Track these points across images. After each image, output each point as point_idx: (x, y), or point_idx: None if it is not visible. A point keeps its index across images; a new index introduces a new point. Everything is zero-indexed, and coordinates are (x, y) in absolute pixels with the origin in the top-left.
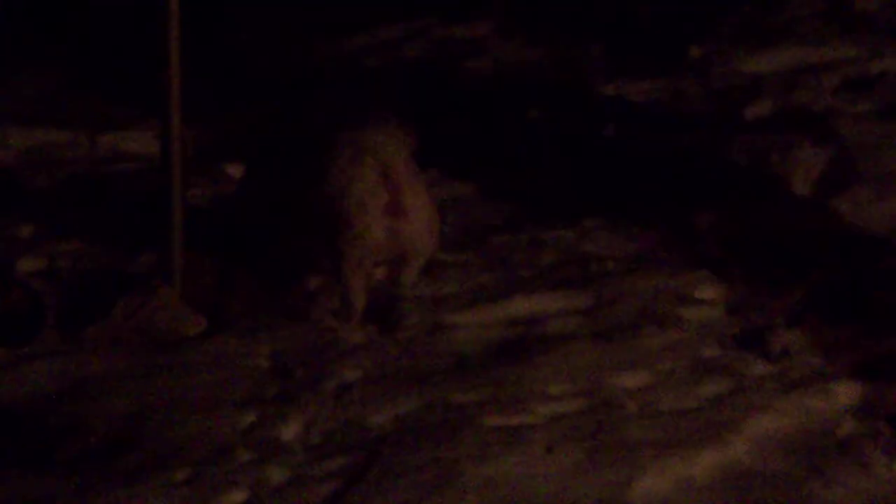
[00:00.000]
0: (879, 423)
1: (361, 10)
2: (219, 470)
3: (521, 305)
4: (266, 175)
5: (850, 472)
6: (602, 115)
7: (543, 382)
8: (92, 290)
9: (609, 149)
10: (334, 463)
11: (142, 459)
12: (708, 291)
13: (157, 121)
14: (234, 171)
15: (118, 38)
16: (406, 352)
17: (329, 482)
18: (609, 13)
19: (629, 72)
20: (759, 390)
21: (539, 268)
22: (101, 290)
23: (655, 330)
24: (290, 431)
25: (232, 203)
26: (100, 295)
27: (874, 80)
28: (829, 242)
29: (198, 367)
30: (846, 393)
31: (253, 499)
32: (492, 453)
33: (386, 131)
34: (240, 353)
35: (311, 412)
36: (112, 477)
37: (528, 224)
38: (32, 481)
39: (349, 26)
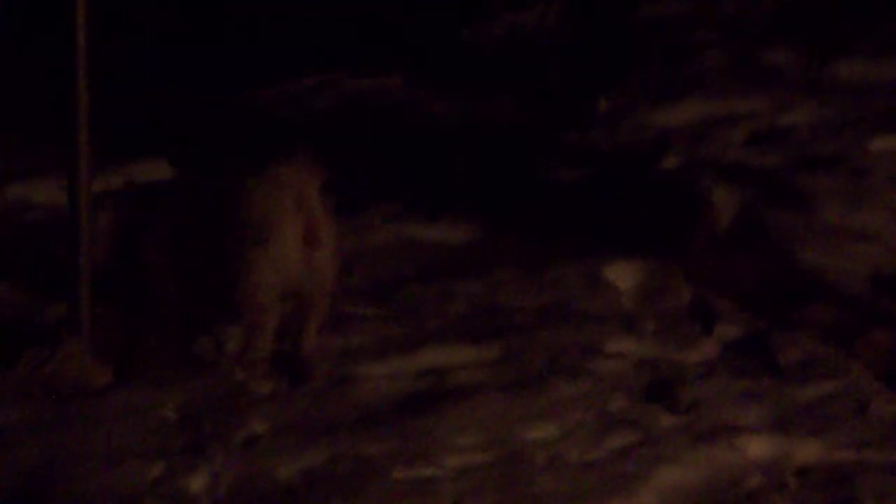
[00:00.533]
0: (787, 476)
1: (272, 64)
2: None
3: (430, 357)
4: (175, 219)
5: None
6: (514, 164)
7: (452, 434)
8: None
9: (522, 199)
10: None
11: None
12: (618, 344)
13: (65, 171)
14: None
15: (25, 83)
16: (315, 403)
17: None
18: (519, 70)
19: (540, 124)
20: (667, 442)
21: (449, 319)
22: (8, 341)
23: (564, 382)
24: (197, 483)
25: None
26: (7, 346)
27: (783, 133)
28: (739, 295)
29: (105, 418)
30: (755, 446)
31: None
32: None
33: (298, 166)
34: (147, 404)
35: (219, 464)
36: None
37: (439, 275)
38: None
39: (259, 79)
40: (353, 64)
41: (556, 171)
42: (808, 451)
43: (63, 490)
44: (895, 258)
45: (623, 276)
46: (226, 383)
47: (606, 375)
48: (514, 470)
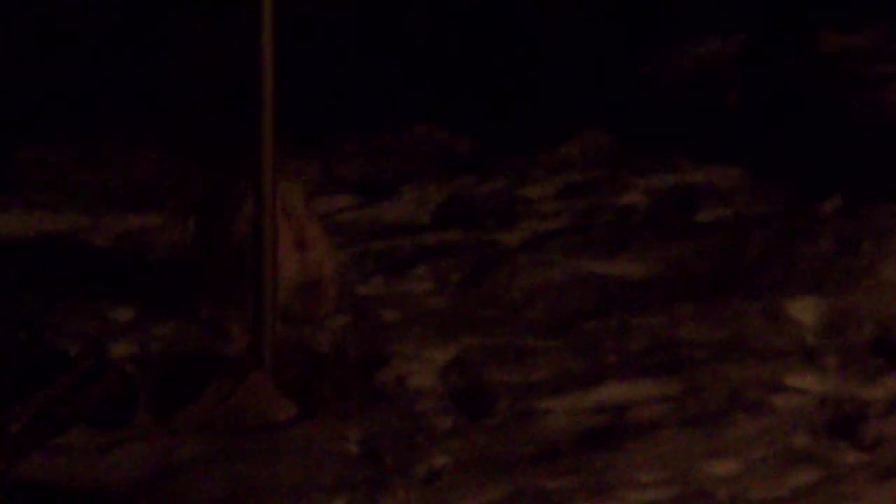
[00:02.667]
0: None
1: None
2: None
3: (610, 392)
4: None
5: None
6: (690, 201)
7: (633, 469)
8: (184, 373)
9: (698, 234)
10: None
11: None
12: (800, 379)
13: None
14: None
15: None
16: (496, 437)
17: None
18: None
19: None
20: (851, 480)
21: (629, 354)
22: (192, 374)
23: (746, 417)
24: None
25: None
26: (191, 379)
27: None
28: None
29: (288, 452)
30: None
31: None
32: None
33: (283, 177)
34: (330, 438)
35: (401, 498)
36: None
37: (618, 310)
38: None
39: None
40: None
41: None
42: None
43: None
44: None
45: (805, 310)
46: (407, 417)
47: (789, 411)
48: None
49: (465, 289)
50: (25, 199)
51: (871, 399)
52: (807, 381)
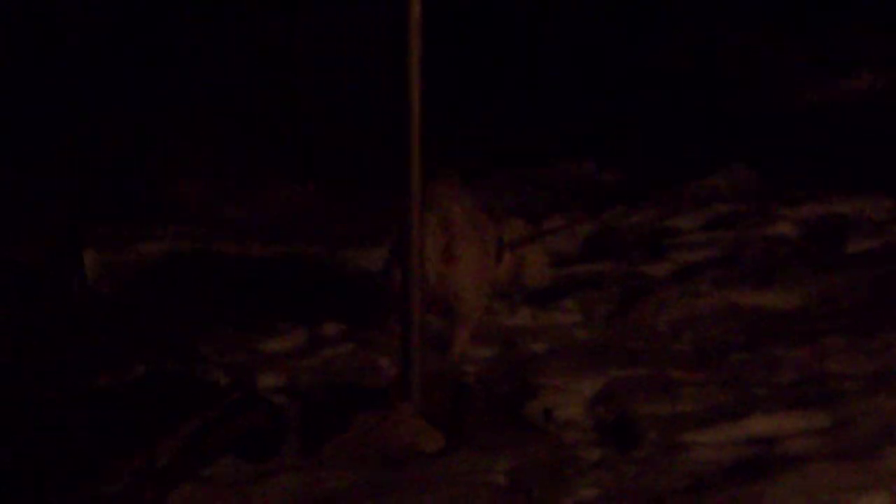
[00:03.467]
0: None
1: None
2: None
3: (758, 424)
4: None
5: None
6: (839, 232)
7: (783, 502)
8: (331, 405)
9: (848, 265)
10: None
11: None
12: None
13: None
14: None
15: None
16: (643, 470)
17: None
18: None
19: None
20: None
21: (777, 386)
22: (340, 406)
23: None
24: None
25: None
26: (339, 410)
27: None
28: None
29: (436, 483)
30: None
31: None
32: None
33: (446, 183)
34: (477, 469)
35: None
36: None
37: (767, 341)
38: None
39: None
40: None
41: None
42: None
43: None
44: None
45: None
46: (555, 449)
47: None
48: None
49: (613, 320)
50: (174, 232)
51: None
52: None
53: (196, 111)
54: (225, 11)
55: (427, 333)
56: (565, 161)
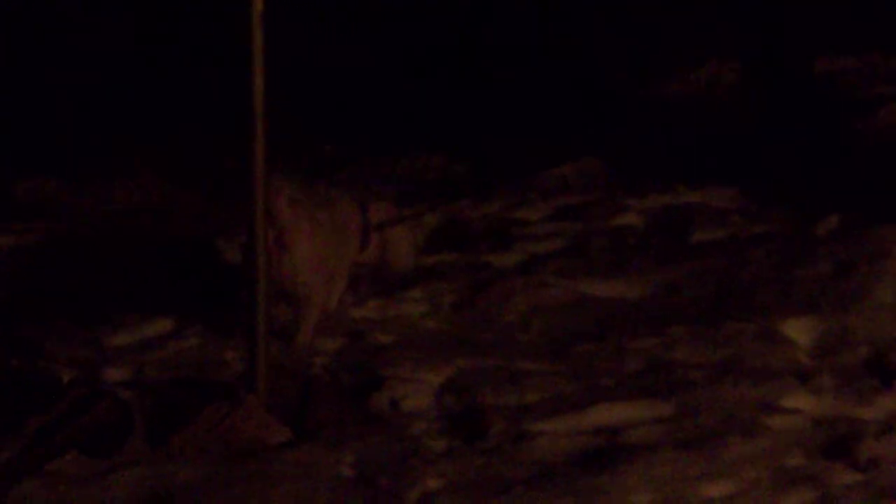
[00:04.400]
0: None
1: None
2: None
3: (604, 414)
4: None
5: None
6: (685, 222)
7: (627, 492)
8: (178, 398)
9: (693, 255)
10: None
11: None
12: (794, 400)
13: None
14: None
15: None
16: (490, 460)
17: None
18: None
19: None
20: (846, 500)
21: (623, 376)
22: (186, 399)
23: (740, 439)
24: None
25: None
26: (185, 404)
27: None
28: None
29: (282, 476)
30: None
31: None
32: None
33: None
34: (324, 462)
35: None
36: None
37: (614, 331)
38: None
39: None
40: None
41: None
42: None
43: None
44: None
45: (800, 331)
46: (401, 440)
47: (783, 432)
48: None
49: (460, 311)
50: (24, 227)
51: (865, 419)
52: (801, 402)
53: (51, 104)
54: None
55: (275, 326)
56: (414, 154)
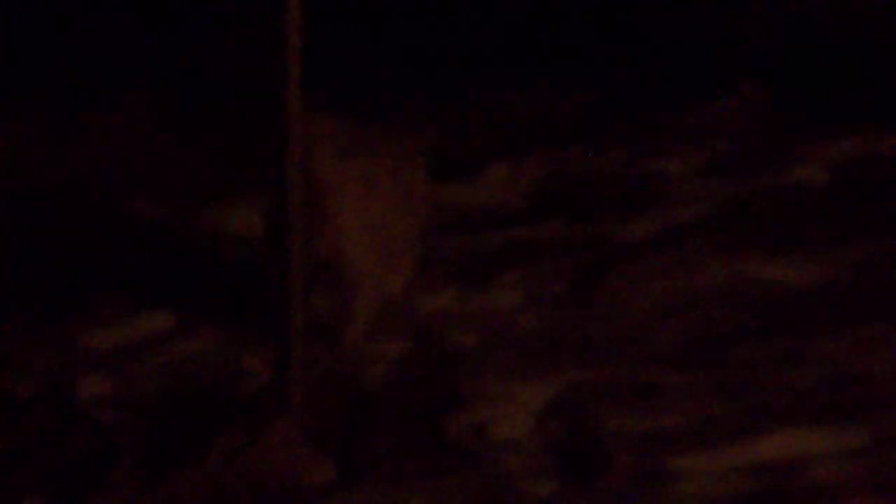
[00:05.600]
0: None
1: None
2: None
3: (773, 445)
4: None
5: None
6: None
7: None
8: (180, 422)
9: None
10: None
11: None
12: None
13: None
14: None
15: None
16: None
17: None
18: None
19: None
20: None
21: (799, 393)
22: (192, 424)
23: None
24: None
25: None
26: (191, 430)
27: None
28: None
29: None
30: None
31: None
32: None
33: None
34: None
35: None
36: None
37: (785, 330)
38: None
39: None
40: None
41: None
42: None
43: None
44: None
45: None
46: (489, 481)
47: None
48: None
49: (571, 303)
50: None
51: None
52: None
53: None
54: None
55: (314, 322)
56: (505, 86)
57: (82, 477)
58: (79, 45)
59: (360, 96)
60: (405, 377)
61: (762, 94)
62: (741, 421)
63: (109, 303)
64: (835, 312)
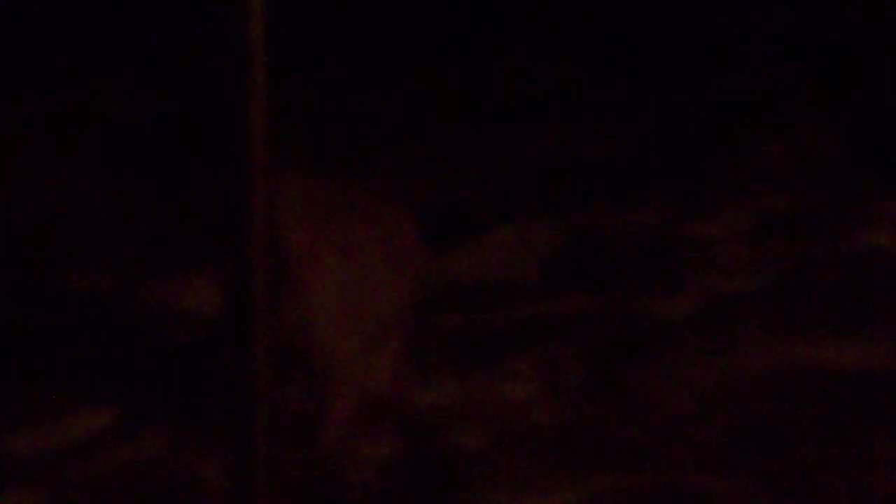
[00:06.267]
0: None
1: None
2: None
3: None
4: None
5: None
6: None
7: None
8: None
9: None
10: None
11: None
12: None
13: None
14: None
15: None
16: None
17: None
18: None
19: None
20: None
21: (869, 501)
22: None
23: None
24: None
25: None
26: None
27: None
28: None
29: None
30: None
31: None
32: None
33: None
34: None
35: None
36: None
37: (854, 427)
38: None
39: None
40: None
41: None
42: None
43: None
44: None
45: None
46: None
47: None
48: None
49: (595, 394)
50: None
51: None
52: None
53: None
54: None
55: (282, 420)
56: (518, 125)
57: None
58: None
59: (338, 146)
60: (396, 486)
61: (822, 135)
62: None
63: (35, 399)
64: None
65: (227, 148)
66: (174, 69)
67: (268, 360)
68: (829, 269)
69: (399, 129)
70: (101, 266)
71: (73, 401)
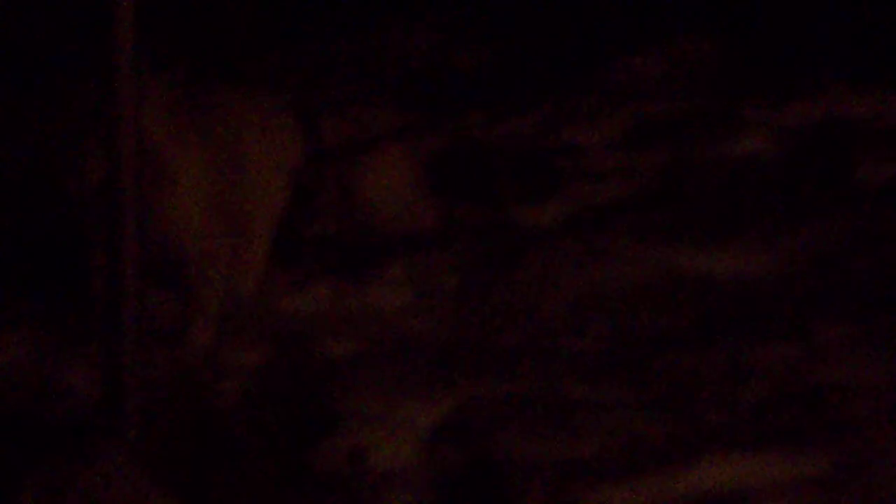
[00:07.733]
0: None
1: None
2: None
3: (714, 472)
4: None
5: None
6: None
7: None
8: None
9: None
10: None
11: None
12: None
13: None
14: None
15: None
16: None
17: None
18: None
19: None
20: None
21: (744, 409)
22: (3, 452)
23: None
24: None
25: None
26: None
27: None
28: None
29: None
30: None
31: None
32: None
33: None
34: None
35: None
36: None
37: (725, 333)
38: None
39: None
40: None
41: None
42: None
43: None
44: None
45: None
46: None
47: None
48: None
49: (467, 303)
50: None
51: None
52: None
53: None
54: None
55: (150, 325)
56: (395, 30)
57: None
58: None
59: (206, 49)
60: (265, 393)
61: (702, 46)
62: (672, 445)
63: None
64: (785, 312)
65: (94, 50)
66: None
67: (135, 261)
68: (704, 176)
69: (276, 33)
70: None
71: None
